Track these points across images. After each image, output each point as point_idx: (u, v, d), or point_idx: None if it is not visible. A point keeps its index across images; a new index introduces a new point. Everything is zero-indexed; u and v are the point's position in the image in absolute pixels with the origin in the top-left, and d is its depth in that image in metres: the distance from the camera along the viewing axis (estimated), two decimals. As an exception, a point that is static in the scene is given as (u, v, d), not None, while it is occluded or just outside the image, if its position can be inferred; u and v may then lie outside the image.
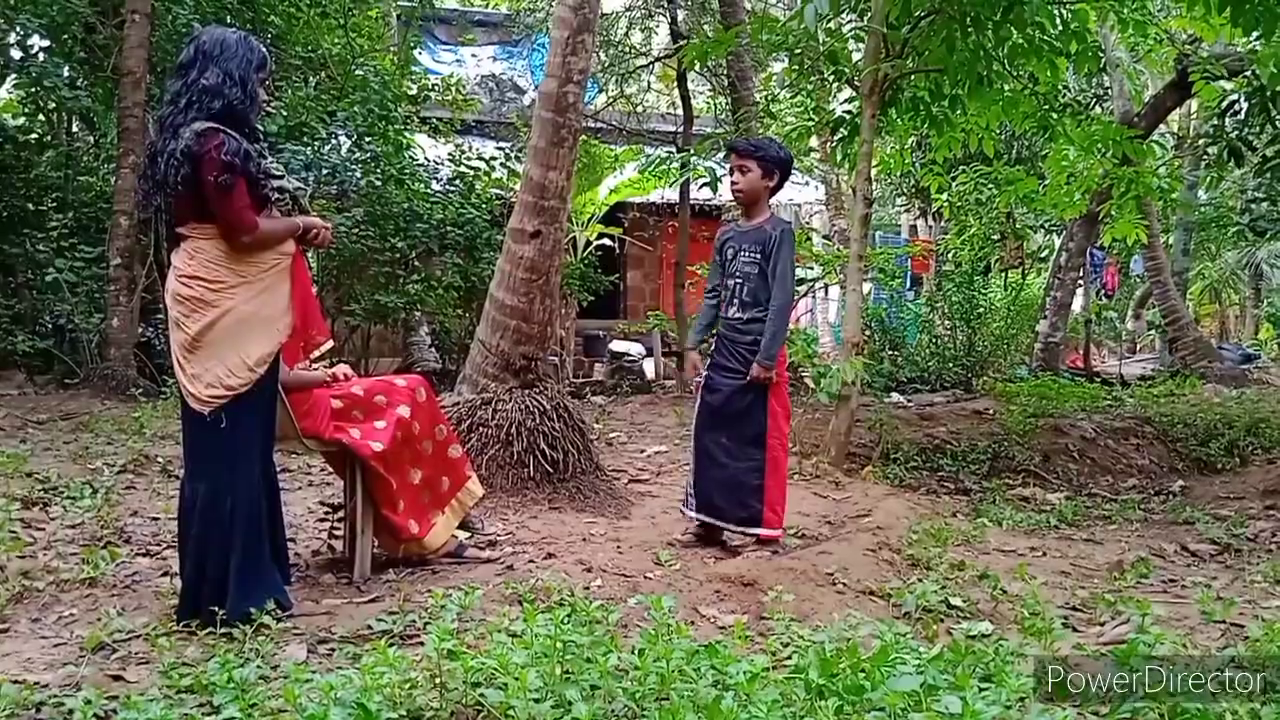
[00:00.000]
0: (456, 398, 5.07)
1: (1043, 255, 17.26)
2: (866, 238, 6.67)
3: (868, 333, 7.40)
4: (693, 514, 4.28)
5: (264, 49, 3.26)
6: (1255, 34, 6.43)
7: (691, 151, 10.32)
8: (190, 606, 3.08)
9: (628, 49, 13.33)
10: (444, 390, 5.60)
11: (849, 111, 7.40)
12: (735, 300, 4.26)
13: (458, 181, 10.60)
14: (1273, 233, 13.02)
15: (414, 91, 11.70)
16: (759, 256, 4.20)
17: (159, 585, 3.53)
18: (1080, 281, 13.86)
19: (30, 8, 9.05)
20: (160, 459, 5.65)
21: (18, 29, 9.31)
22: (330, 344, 3.74)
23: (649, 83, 14.40)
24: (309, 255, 3.42)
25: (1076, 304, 14.51)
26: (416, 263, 9.97)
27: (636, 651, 2.33)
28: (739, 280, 4.26)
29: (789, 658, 2.66)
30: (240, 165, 3.04)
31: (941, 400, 9.79)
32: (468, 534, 4.05)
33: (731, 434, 4.20)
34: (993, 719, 1.94)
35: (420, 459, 3.77)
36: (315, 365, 3.65)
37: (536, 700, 2.14)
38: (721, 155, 10.22)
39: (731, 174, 4.34)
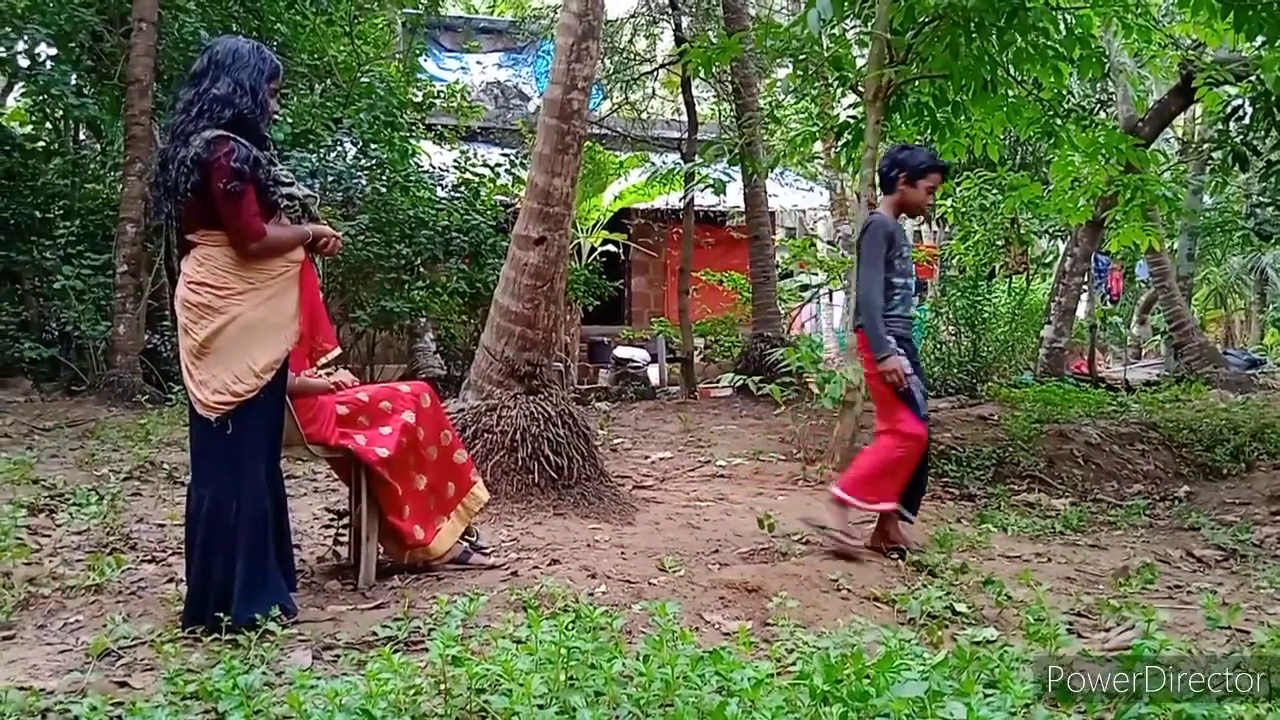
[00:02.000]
0: (461, 404, 5.08)
1: (1047, 261, 17.24)
2: (871, 243, 6.65)
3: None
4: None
5: (276, 59, 3.29)
6: (1259, 39, 6.43)
7: (698, 160, 10.36)
8: (195, 613, 3.09)
9: (632, 55, 13.37)
10: (449, 396, 5.61)
11: (853, 117, 7.41)
12: (915, 296, 4.49)
13: (463, 188, 10.63)
14: (1278, 237, 12.98)
15: (419, 98, 11.74)
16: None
17: (164, 592, 3.53)
18: (1085, 287, 13.83)
19: (38, 17, 9.10)
20: (166, 465, 5.67)
21: (25, 38, 9.36)
22: (338, 352, 3.75)
23: (653, 89, 14.44)
24: (316, 262, 3.43)
25: (1081, 309, 14.48)
26: (422, 269, 10.00)
27: (641, 658, 2.33)
28: (913, 277, 4.46)
29: (793, 664, 2.66)
30: (250, 173, 3.06)
31: (946, 406, 9.77)
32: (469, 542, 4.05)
33: None
34: (997, 725, 1.94)
35: (425, 465, 3.78)
36: (319, 372, 3.66)
37: (541, 706, 2.14)
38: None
39: (929, 194, 4.42)
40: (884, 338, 4.15)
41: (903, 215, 4.57)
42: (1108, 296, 16.63)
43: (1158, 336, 18.07)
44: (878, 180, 4.61)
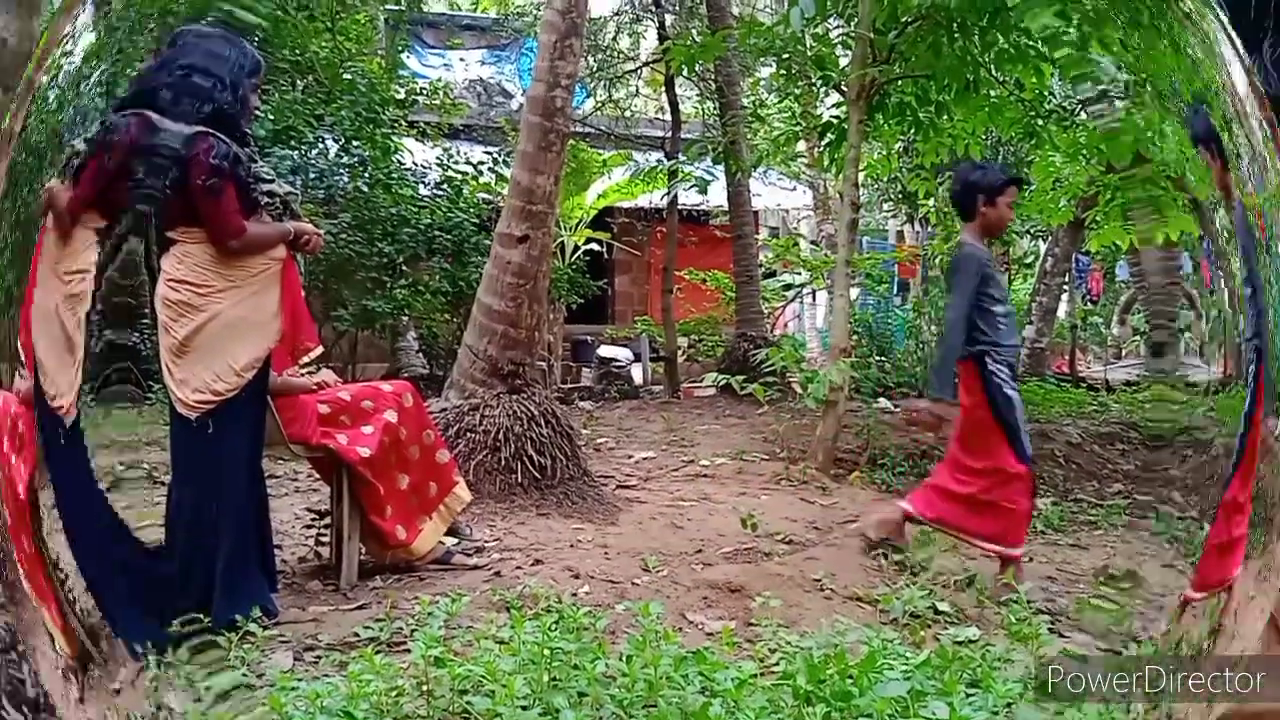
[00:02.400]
0: (444, 403, 5.06)
1: (1028, 261, 17.33)
2: (854, 243, 6.68)
3: (855, 338, 7.43)
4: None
5: (258, 55, 3.26)
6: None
7: (682, 159, 10.36)
8: (175, 614, 3.06)
9: (616, 53, 13.35)
10: (431, 396, 5.58)
11: (836, 116, 7.42)
12: (1014, 325, 4.26)
13: (445, 186, 10.58)
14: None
15: (402, 95, 11.67)
16: None
17: (144, 592, 3.50)
18: (1066, 287, 13.92)
19: (15, 10, 9.00)
20: (145, 465, 5.60)
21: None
22: (319, 350, 3.72)
23: (637, 87, 14.43)
24: (298, 260, 3.41)
25: (1062, 309, 14.58)
26: (404, 267, 9.94)
27: (624, 658, 2.33)
28: (1011, 303, 4.31)
29: (777, 664, 2.66)
30: (229, 169, 3.04)
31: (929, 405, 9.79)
32: (455, 540, 4.04)
33: None
34: (979, 725, 1.95)
35: (408, 464, 3.76)
36: (301, 371, 3.63)
37: (524, 707, 2.13)
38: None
39: (1009, 209, 4.18)
40: (950, 381, 3.99)
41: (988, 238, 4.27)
42: (1088, 296, 16.74)
43: (1138, 337, 18.19)
44: (954, 207, 4.39)
